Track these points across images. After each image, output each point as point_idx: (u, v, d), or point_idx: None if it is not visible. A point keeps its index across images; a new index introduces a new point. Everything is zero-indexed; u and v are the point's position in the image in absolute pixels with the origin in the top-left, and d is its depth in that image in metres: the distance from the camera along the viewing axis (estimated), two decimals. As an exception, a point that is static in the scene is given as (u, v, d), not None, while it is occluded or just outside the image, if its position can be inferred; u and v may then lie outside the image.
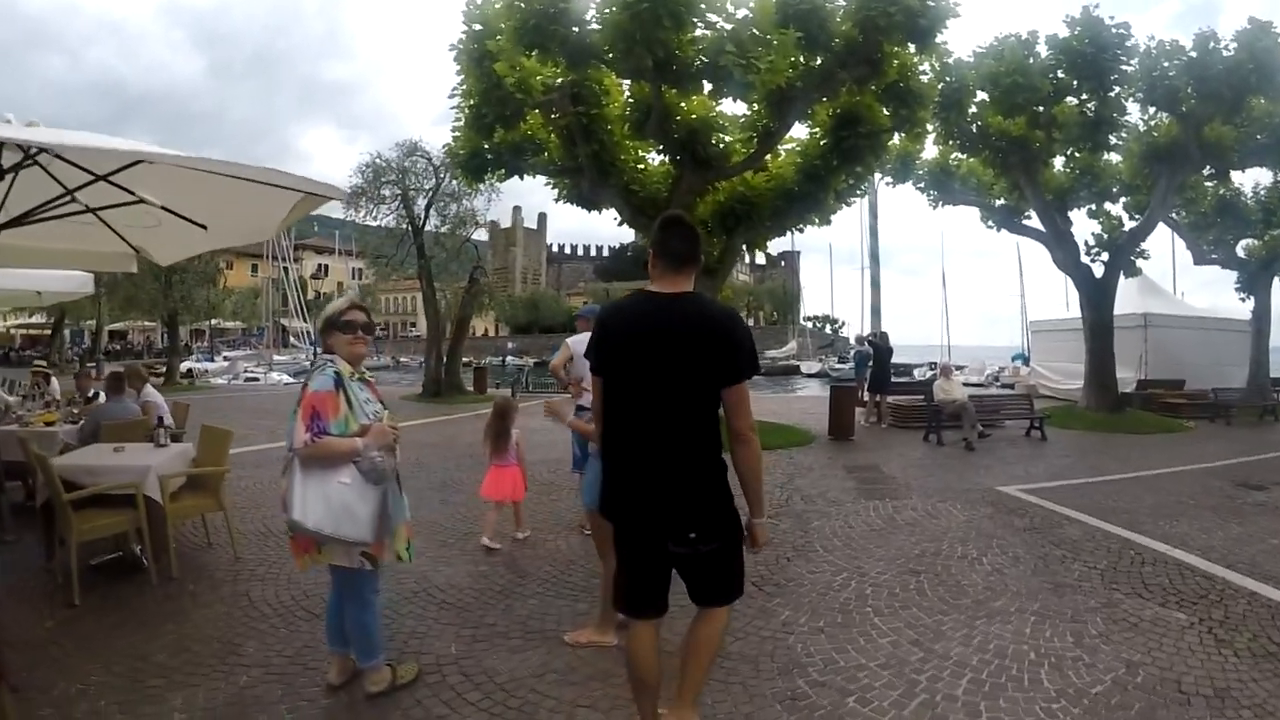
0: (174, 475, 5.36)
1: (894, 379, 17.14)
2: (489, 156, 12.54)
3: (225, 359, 40.83)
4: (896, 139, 13.81)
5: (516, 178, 13.75)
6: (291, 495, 3.06)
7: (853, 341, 20.88)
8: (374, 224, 22.79)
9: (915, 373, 38.07)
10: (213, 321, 50.23)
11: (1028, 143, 14.50)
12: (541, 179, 13.22)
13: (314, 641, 3.83)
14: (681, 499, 2.60)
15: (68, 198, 3.56)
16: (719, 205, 12.30)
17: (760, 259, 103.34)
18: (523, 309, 78.53)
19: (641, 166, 12.39)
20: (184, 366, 32.85)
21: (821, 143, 11.52)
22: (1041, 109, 13.99)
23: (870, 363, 15.21)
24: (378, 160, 21.30)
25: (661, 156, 12.16)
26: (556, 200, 13.71)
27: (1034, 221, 16.48)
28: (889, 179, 16.69)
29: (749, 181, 12.05)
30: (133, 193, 3.49)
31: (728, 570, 2.73)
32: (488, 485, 5.93)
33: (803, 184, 11.73)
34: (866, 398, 15.04)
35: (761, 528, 2.75)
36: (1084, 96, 13.97)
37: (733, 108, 11.66)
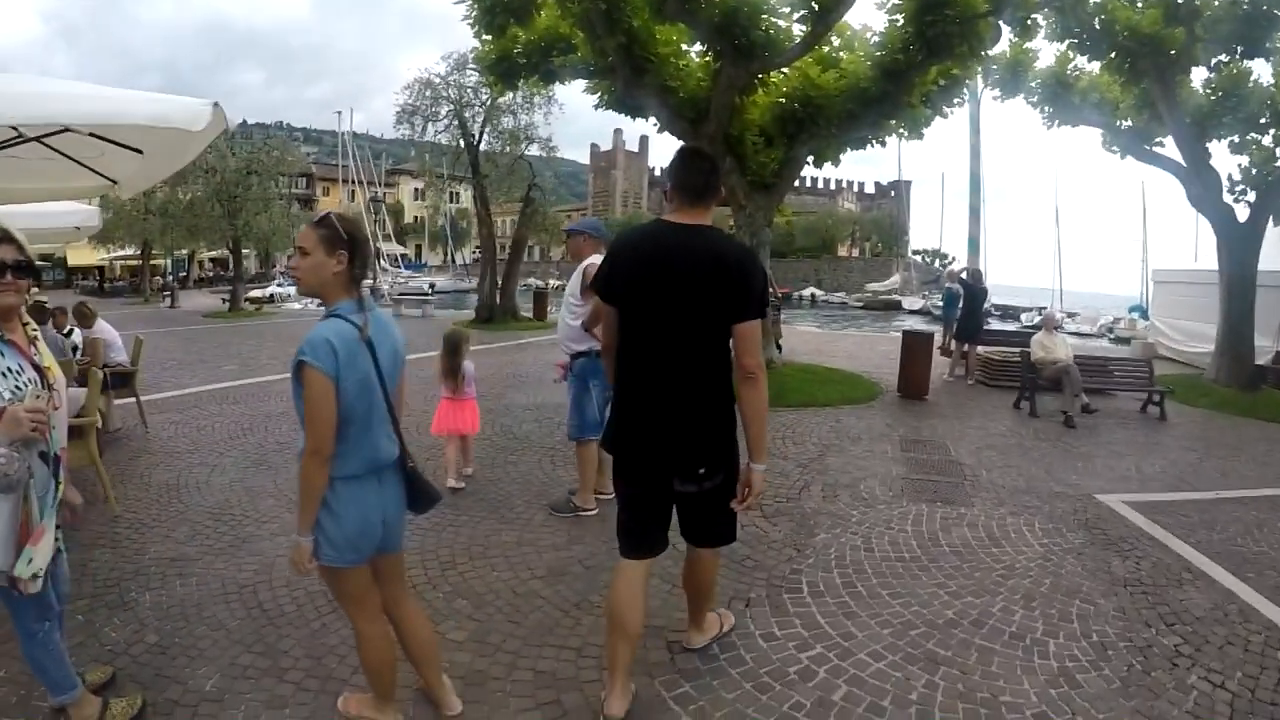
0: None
1: (996, 325, 14.67)
2: (520, 60, 11.41)
3: None
4: (1005, 43, 11.26)
5: (558, 83, 12.76)
6: None
7: (943, 278, 18.25)
8: (430, 140, 22.00)
9: (1023, 317, 34.66)
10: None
11: (1163, 43, 11.55)
12: (581, 84, 11.78)
13: (88, 640, 3.27)
14: (691, 434, 2.56)
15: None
16: (778, 108, 10.18)
17: (870, 188, 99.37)
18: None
19: (683, 62, 10.33)
20: (268, 291, 36.68)
21: (903, 30, 9.14)
22: (1182, -1, 11.03)
23: (960, 304, 12.77)
24: (430, 75, 20.44)
25: (700, 46, 10.09)
26: (596, 107, 11.99)
27: (1167, 149, 13.43)
28: (996, 91, 13.99)
29: (814, 80, 9.76)
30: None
31: (728, 508, 2.69)
32: (439, 420, 5.55)
33: (880, 82, 9.34)
34: (953, 346, 12.83)
35: (759, 475, 2.63)
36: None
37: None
